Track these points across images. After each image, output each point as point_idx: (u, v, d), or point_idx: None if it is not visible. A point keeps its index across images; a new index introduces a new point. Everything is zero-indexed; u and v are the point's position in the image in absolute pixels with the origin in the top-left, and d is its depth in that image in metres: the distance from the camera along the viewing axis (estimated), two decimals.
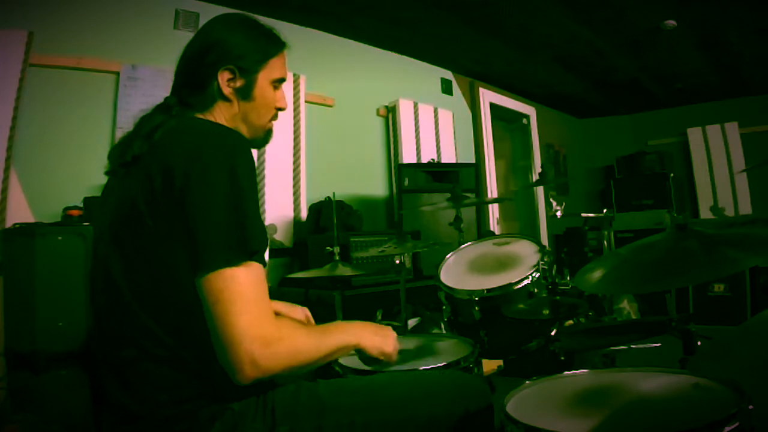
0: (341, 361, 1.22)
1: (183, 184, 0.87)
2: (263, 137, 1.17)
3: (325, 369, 1.22)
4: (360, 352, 1.11)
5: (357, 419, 0.95)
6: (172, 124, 0.99)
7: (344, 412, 0.96)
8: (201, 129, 0.98)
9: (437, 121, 4.19)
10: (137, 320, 0.90)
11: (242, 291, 0.84)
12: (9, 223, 2.17)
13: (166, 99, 1.07)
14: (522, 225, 5.39)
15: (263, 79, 1.10)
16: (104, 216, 1.01)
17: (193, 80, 1.07)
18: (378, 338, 1.12)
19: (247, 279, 0.85)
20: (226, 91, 1.06)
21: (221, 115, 1.08)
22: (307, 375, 1.13)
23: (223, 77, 1.06)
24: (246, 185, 0.89)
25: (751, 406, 0.72)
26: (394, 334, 1.18)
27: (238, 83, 1.07)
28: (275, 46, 1.12)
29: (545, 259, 1.69)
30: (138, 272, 0.92)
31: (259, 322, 0.84)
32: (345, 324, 1.15)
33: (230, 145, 0.92)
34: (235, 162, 0.89)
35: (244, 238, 0.87)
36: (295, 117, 3.31)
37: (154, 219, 0.89)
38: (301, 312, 1.41)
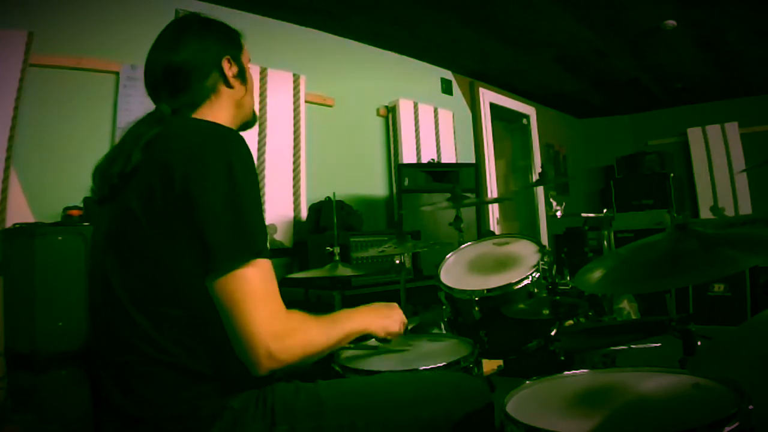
0: (341, 360, 1.23)
1: (183, 187, 0.87)
2: (253, 119, 1.23)
3: (326, 369, 1.22)
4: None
5: (357, 420, 0.95)
6: (162, 128, 0.98)
7: (345, 413, 0.96)
8: (197, 129, 0.98)
9: (437, 121, 4.19)
10: (136, 326, 0.90)
11: (253, 290, 0.87)
12: (9, 223, 2.16)
13: (159, 107, 1.04)
14: (522, 225, 5.38)
15: (245, 62, 1.17)
16: (101, 225, 1.01)
17: (190, 79, 1.06)
18: (384, 320, 1.19)
19: (257, 277, 0.87)
20: (229, 75, 1.10)
21: (221, 103, 1.10)
22: (306, 375, 1.13)
23: (225, 65, 1.10)
24: (246, 183, 0.90)
25: (751, 406, 0.72)
26: (399, 311, 1.24)
27: (235, 69, 1.12)
28: (237, 33, 1.19)
29: (545, 259, 1.69)
30: (137, 278, 0.92)
31: (272, 318, 0.88)
32: (352, 311, 1.16)
33: (227, 143, 0.92)
34: (233, 160, 0.89)
35: (249, 237, 0.87)
36: (295, 117, 3.31)
37: (154, 222, 0.89)
38: None
